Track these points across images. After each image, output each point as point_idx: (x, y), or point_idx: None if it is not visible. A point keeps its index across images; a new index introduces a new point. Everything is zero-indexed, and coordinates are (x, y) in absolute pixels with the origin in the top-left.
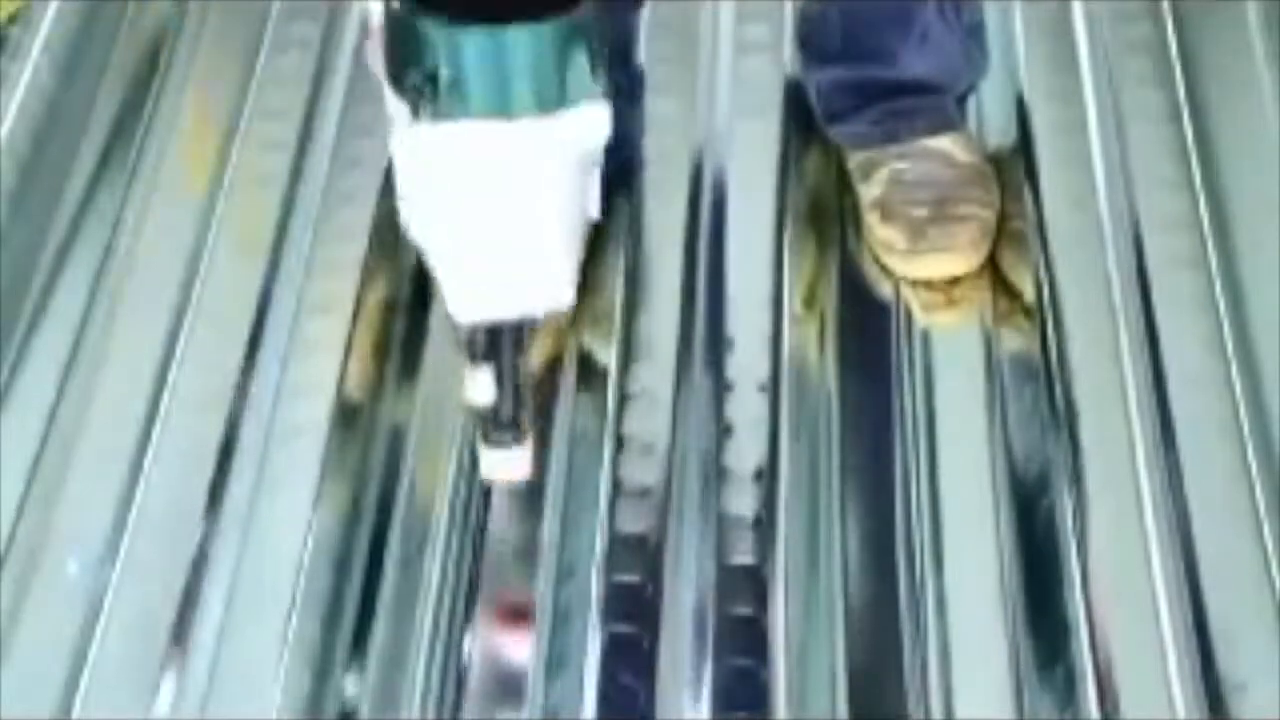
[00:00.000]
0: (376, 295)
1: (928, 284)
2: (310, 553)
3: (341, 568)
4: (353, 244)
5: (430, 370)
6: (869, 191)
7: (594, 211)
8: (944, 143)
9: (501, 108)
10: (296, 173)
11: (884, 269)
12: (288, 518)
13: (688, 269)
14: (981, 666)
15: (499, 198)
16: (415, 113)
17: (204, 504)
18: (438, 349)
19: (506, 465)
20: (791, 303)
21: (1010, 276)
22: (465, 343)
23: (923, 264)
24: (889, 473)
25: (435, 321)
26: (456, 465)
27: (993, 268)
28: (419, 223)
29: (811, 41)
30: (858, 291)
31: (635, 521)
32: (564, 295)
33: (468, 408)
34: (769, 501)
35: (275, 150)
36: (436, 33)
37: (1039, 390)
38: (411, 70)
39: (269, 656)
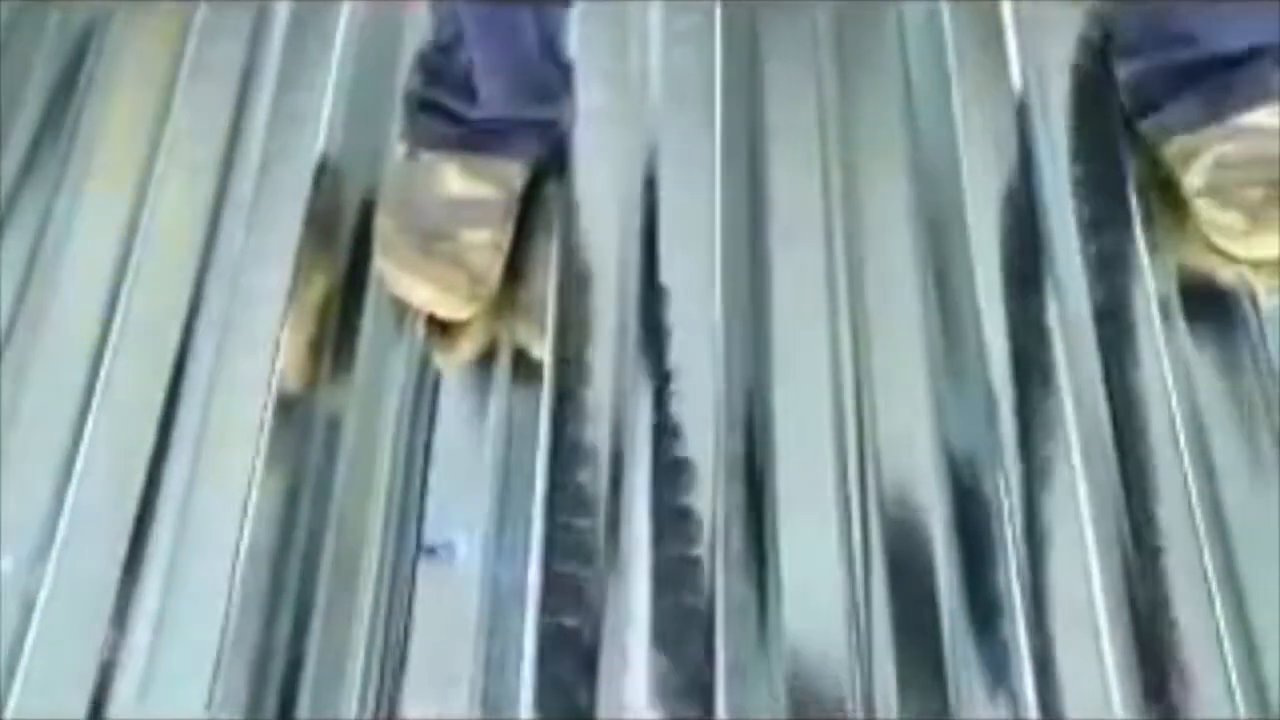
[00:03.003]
0: (311, 285)
1: (1263, 267)
2: (247, 547)
3: (279, 561)
4: (286, 234)
5: (366, 360)
6: (1193, 180)
7: None
8: (1262, 116)
9: None
10: (228, 164)
11: (1220, 253)
12: (224, 512)
13: (622, 259)
14: (929, 659)
15: None
16: None
17: (139, 499)
18: (373, 339)
19: None
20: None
21: None
22: None
23: (1262, 244)
24: None
25: (370, 310)
26: (392, 454)
27: None
28: None
29: (1112, 36)
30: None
31: (576, 512)
32: None
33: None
34: (709, 495)
35: (205, 142)
36: None
37: None
38: None
39: (207, 651)
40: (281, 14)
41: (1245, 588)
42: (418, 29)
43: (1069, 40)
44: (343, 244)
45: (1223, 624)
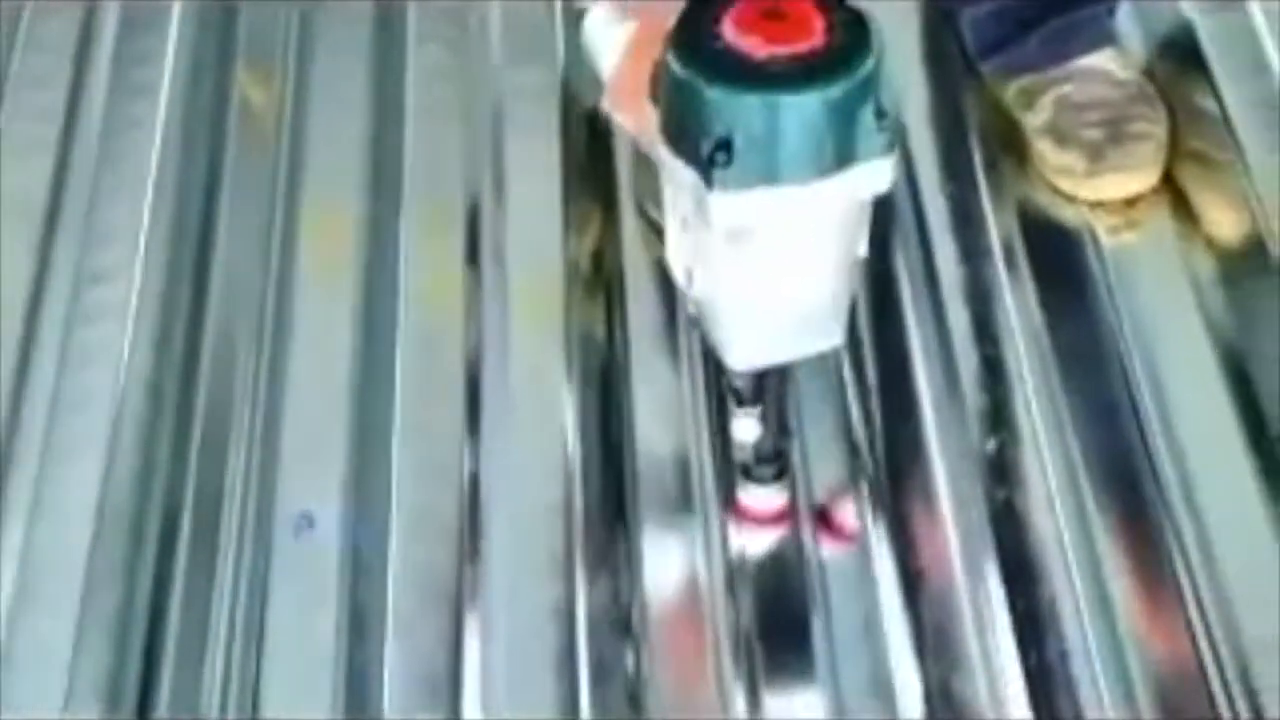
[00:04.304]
0: (158, 260)
1: (1105, 206)
2: (103, 527)
3: (135, 541)
4: (132, 209)
5: (214, 337)
6: (1035, 119)
7: (863, 251)
8: (1103, 59)
9: (795, 170)
10: (68, 140)
11: (1060, 194)
12: (76, 491)
13: (470, 224)
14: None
15: (785, 256)
16: (708, 180)
17: None
18: (221, 313)
19: (765, 499)
20: (579, 261)
21: (1193, 197)
22: (732, 388)
23: (1104, 184)
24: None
25: (217, 288)
26: (249, 428)
27: (1168, 186)
28: (704, 284)
29: None
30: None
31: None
32: (835, 335)
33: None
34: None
35: (44, 120)
36: (726, 100)
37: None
38: (699, 137)
39: (63, 633)
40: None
41: (1093, 528)
42: None
43: None
44: (193, 214)
45: (1074, 565)
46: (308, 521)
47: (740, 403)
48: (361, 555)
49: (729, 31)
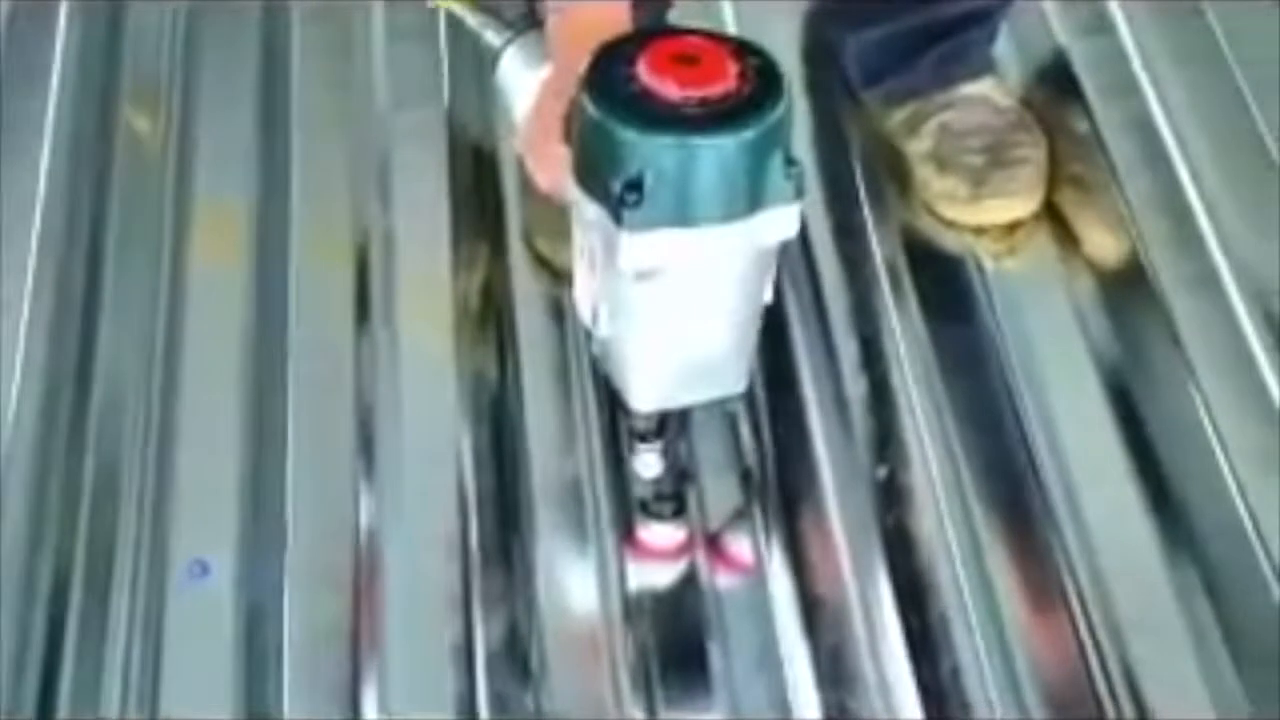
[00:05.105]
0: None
1: (987, 231)
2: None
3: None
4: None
5: (103, 387)
6: (918, 146)
7: (768, 297)
8: (985, 88)
9: (704, 213)
10: None
11: (943, 220)
12: None
13: (359, 266)
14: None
15: (692, 299)
16: (618, 219)
17: None
18: (109, 367)
19: (664, 535)
20: (469, 296)
21: (1073, 220)
22: (632, 428)
23: (986, 209)
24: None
25: (104, 345)
26: (139, 476)
27: (1048, 210)
28: (609, 316)
29: (838, 9)
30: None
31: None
32: (740, 380)
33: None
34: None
35: None
36: (639, 141)
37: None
38: (610, 177)
39: None
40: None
41: (982, 545)
42: None
43: (792, 20)
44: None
45: (963, 577)
46: (201, 569)
47: (642, 439)
48: (256, 602)
49: (643, 74)
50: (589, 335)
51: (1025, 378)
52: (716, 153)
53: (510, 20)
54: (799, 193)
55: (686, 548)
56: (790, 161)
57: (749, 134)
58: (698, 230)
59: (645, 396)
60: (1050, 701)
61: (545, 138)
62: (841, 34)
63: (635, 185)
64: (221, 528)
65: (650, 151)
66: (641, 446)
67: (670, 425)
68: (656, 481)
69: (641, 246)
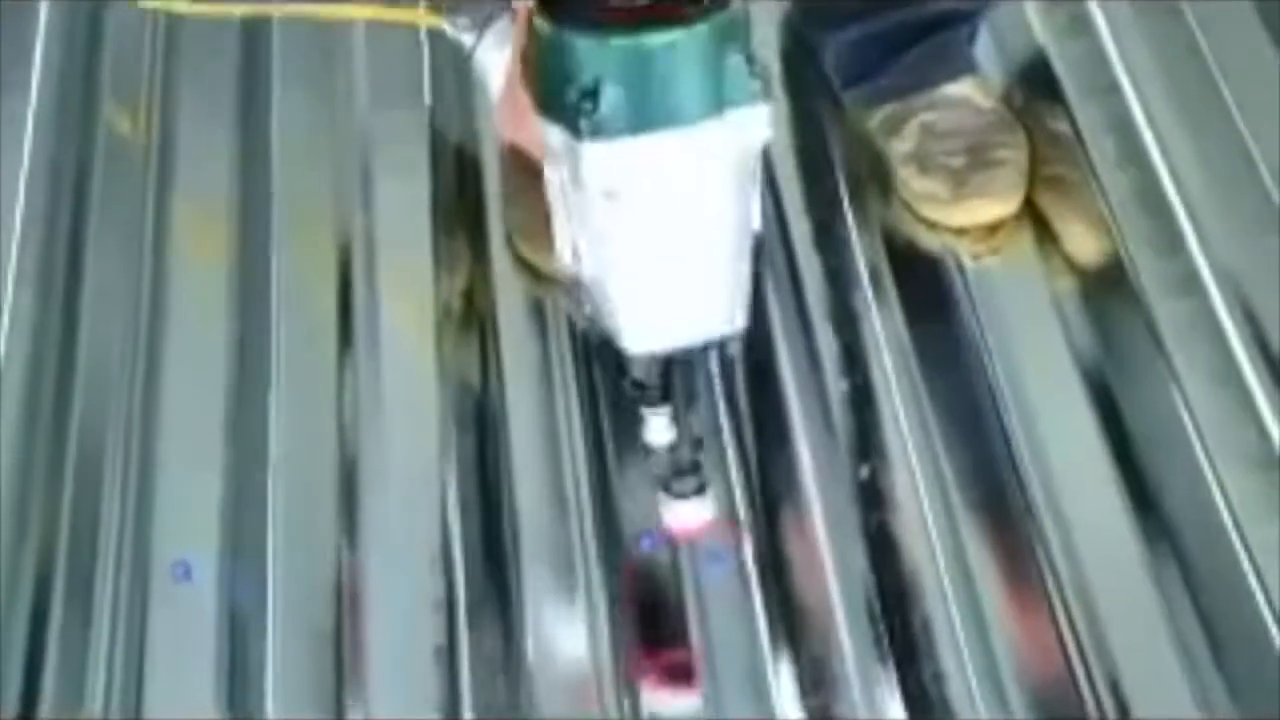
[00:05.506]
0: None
1: (969, 231)
2: None
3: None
4: None
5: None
6: (898, 147)
7: (757, 224)
8: (965, 88)
9: (665, 117)
10: None
11: (924, 221)
12: None
13: (341, 268)
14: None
15: (668, 218)
16: (577, 132)
17: None
18: (90, 376)
19: (692, 517)
20: (451, 300)
21: (1054, 221)
22: (635, 383)
23: (967, 210)
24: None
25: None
26: (121, 479)
27: (1029, 210)
28: (588, 249)
29: (817, 8)
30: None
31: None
32: (736, 317)
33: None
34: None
35: None
36: (591, 47)
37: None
38: (567, 89)
39: None
40: None
41: (965, 548)
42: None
43: (769, 23)
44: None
45: (946, 577)
46: (184, 571)
47: (647, 402)
48: (239, 604)
49: None
50: (574, 335)
51: (1007, 377)
52: (669, 51)
53: (483, 17)
54: (765, 93)
55: (717, 526)
56: (752, 59)
57: (701, 27)
58: (661, 135)
59: (637, 335)
60: (1033, 701)
61: (518, 111)
62: (821, 34)
63: (591, 93)
64: (204, 529)
65: (603, 56)
66: (649, 411)
67: (677, 387)
68: (673, 451)
69: (604, 156)
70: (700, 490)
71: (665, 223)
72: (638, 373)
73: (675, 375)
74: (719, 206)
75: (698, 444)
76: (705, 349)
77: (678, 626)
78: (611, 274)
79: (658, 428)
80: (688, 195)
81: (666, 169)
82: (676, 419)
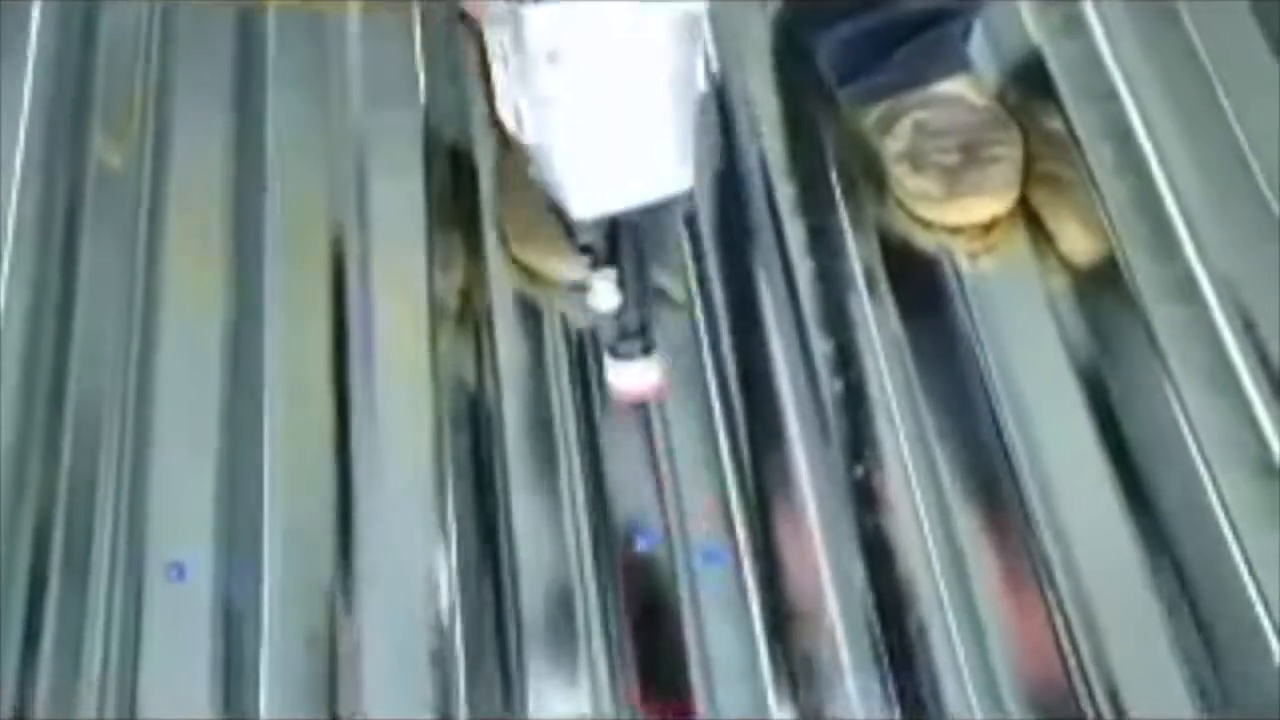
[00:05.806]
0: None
1: (963, 230)
2: None
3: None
4: None
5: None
6: (892, 145)
7: (701, 84)
8: (959, 86)
9: None
10: None
11: (918, 220)
12: None
13: (335, 267)
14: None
15: (610, 71)
16: None
17: None
18: (85, 369)
19: (637, 378)
20: (445, 299)
21: (1048, 219)
22: (582, 247)
23: (961, 208)
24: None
25: (81, 326)
26: (115, 485)
27: (1023, 208)
28: (531, 114)
29: (809, 7)
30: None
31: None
32: (682, 177)
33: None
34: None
35: None
36: None
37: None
38: None
39: None
40: None
41: (961, 549)
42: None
43: (761, 24)
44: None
45: (940, 577)
46: (178, 573)
47: (594, 264)
48: (234, 604)
49: None
50: (568, 334)
51: (1001, 376)
52: None
53: None
54: None
55: (662, 389)
56: None
57: None
58: None
59: (583, 199)
60: (1029, 703)
61: None
62: (813, 33)
63: None
64: (198, 529)
65: None
66: (595, 275)
67: (624, 248)
68: (618, 316)
69: (546, 18)
70: (647, 351)
71: (607, 84)
72: (586, 237)
73: (622, 238)
74: (661, 67)
75: (644, 307)
76: (654, 211)
77: (673, 626)
78: (555, 138)
79: (603, 292)
80: (629, 56)
81: (608, 30)
82: (623, 283)
